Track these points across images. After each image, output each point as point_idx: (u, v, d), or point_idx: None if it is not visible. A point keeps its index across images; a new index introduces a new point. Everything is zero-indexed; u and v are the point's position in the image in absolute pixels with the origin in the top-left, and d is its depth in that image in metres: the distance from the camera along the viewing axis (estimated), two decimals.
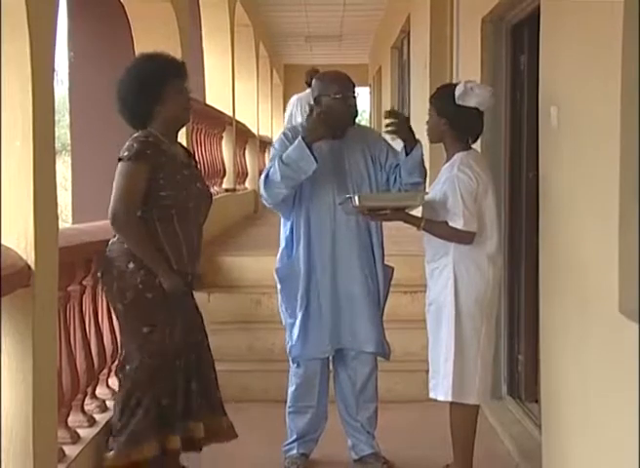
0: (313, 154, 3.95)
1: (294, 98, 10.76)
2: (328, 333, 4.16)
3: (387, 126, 4.07)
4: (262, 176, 4.10)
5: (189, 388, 3.74)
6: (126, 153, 3.54)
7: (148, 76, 3.63)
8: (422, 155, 4.13)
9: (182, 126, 3.89)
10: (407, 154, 4.10)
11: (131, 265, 3.55)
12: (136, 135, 3.63)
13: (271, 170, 4.04)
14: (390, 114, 4.10)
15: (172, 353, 3.66)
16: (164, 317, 3.60)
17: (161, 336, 3.60)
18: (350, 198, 3.85)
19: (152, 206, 3.56)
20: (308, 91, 12.17)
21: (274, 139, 4.55)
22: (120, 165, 3.55)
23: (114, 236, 3.63)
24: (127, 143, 3.59)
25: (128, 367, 3.62)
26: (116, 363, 3.80)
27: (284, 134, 4.23)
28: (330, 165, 4.11)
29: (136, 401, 3.60)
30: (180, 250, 3.62)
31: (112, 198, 3.53)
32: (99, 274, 3.76)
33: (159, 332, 3.60)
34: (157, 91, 3.63)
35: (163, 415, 3.64)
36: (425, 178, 4.21)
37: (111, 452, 3.58)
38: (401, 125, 4.06)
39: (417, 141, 4.10)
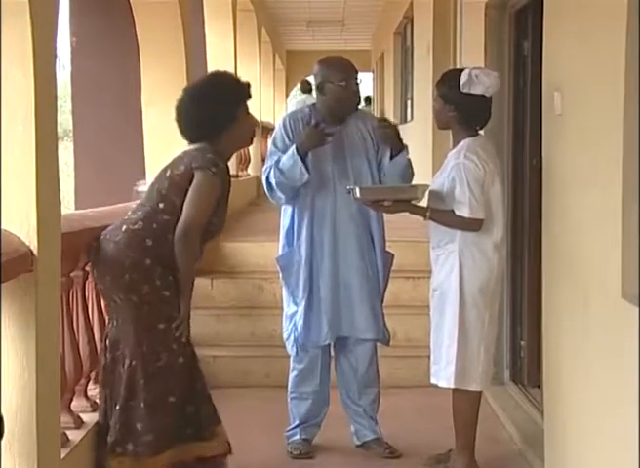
0: (306, 164, 4.00)
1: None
2: (327, 322, 4.17)
3: (379, 130, 4.10)
4: (264, 178, 4.14)
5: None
6: (215, 169, 3.46)
7: (229, 93, 3.60)
8: (407, 162, 4.15)
9: (240, 150, 3.91)
10: (391, 158, 4.14)
11: (148, 261, 3.48)
12: (213, 151, 3.54)
13: (270, 174, 4.08)
14: (383, 121, 4.15)
15: (188, 353, 3.62)
16: (178, 314, 3.56)
17: (174, 335, 3.55)
18: (352, 190, 3.86)
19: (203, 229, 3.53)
20: (304, 96, 12.26)
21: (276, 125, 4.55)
22: (206, 176, 3.46)
23: (134, 224, 3.52)
24: (209, 155, 3.50)
25: (134, 361, 3.51)
26: (111, 356, 3.61)
27: (282, 123, 4.22)
28: (330, 152, 4.11)
29: (157, 397, 3.52)
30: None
31: (191, 208, 3.44)
32: (89, 258, 3.67)
33: (174, 332, 3.55)
34: (232, 111, 3.61)
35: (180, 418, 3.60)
36: (410, 181, 4.19)
37: (141, 458, 3.50)
38: (391, 133, 4.10)
39: (403, 148, 4.14)
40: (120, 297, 3.54)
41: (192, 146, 3.64)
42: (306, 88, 13.14)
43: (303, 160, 3.99)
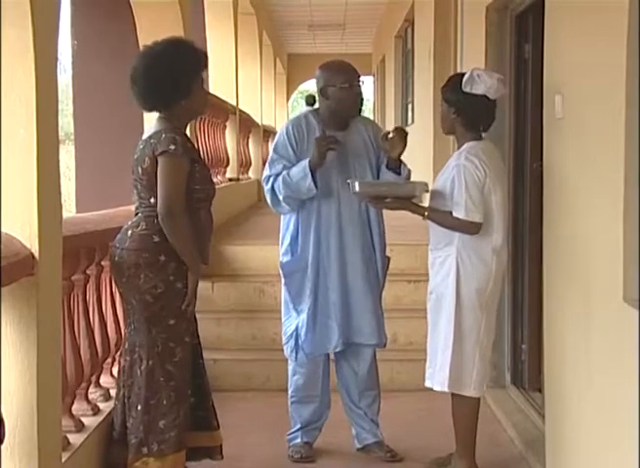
0: (315, 179, 3.99)
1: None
2: (338, 329, 4.16)
3: (390, 136, 4.02)
4: (268, 187, 4.11)
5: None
6: (173, 147, 3.45)
7: (180, 71, 3.54)
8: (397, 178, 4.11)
9: (195, 119, 3.88)
10: (387, 166, 4.13)
11: (162, 258, 3.50)
12: (166, 126, 3.55)
13: (276, 185, 4.07)
14: (398, 131, 4.05)
15: (195, 346, 3.69)
16: (187, 307, 3.59)
17: (186, 328, 3.61)
18: (350, 184, 3.87)
19: (187, 199, 3.52)
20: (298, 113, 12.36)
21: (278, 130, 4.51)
22: (168, 159, 3.46)
23: (136, 227, 3.55)
24: (164, 135, 3.49)
25: (151, 362, 3.55)
26: (129, 359, 3.65)
27: (286, 131, 4.17)
28: (335, 159, 4.11)
29: (178, 393, 3.56)
30: (201, 243, 3.63)
31: (165, 192, 3.45)
32: (104, 263, 3.72)
33: (185, 325, 3.60)
34: (186, 86, 3.56)
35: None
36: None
37: (166, 457, 3.55)
38: (400, 144, 4.03)
39: (399, 166, 4.11)
40: (136, 299, 3.56)
41: (147, 133, 3.63)
42: (310, 102, 13.37)
43: (313, 175, 3.99)
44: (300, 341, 4.20)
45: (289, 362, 4.34)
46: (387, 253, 4.30)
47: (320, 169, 4.03)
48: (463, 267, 3.80)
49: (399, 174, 4.11)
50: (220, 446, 3.81)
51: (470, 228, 3.76)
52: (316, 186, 4.00)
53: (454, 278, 3.80)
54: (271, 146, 4.29)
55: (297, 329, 4.20)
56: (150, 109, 3.69)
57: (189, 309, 3.58)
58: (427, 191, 3.90)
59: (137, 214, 3.62)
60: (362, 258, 4.18)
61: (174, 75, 3.53)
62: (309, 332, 4.16)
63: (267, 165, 4.20)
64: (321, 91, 4.17)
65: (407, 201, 3.86)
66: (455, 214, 3.77)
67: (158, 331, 3.55)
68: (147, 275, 3.51)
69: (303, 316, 4.18)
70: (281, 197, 4.08)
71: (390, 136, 4.02)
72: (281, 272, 4.27)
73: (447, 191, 3.80)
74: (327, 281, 4.15)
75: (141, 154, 3.57)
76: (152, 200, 3.53)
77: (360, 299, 4.18)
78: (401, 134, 4.02)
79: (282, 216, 4.28)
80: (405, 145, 4.04)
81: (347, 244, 4.16)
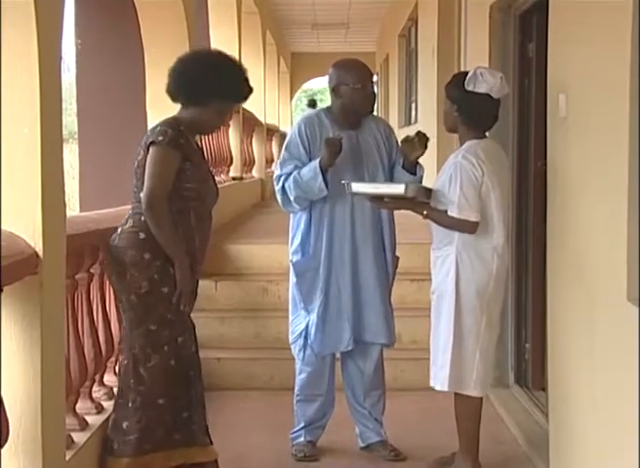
0: (326, 180, 3.98)
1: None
2: (350, 327, 4.15)
3: (411, 139, 4.03)
4: (279, 186, 4.11)
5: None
6: (161, 138, 3.44)
7: (202, 79, 3.56)
8: (411, 180, 4.10)
9: (202, 134, 3.92)
10: (403, 166, 4.14)
11: (147, 255, 3.48)
12: (167, 120, 3.56)
13: (287, 185, 4.06)
14: (420, 136, 4.06)
15: (183, 358, 3.61)
16: (174, 316, 3.55)
17: (169, 336, 3.56)
18: (347, 184, 3.89)
19: (175, 196, 3.49)
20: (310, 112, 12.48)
21: (287, 130, 4.51)
22: (156, 149, 3.45)
23: (125, 224, 3.55)
24: (159, 128, 3.50)
25: (126, 361, 3.55)
26: (122, 357, 3.67)
27: (298, 130, 4.16)
28: (348, 158, 4.10)
29: (145, 399, 3.53)
30: (193, 243, 3.58)
31: (148, 182, 3.43)
32: (104, 261, 3.73)
33: (167, 332, 3.55)
34: (201, 96, 3.57)
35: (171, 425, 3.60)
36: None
37: (122, 458, 3.53)
38: (421, 149, 4.04)
39: (415, 168, 4.13)
40: (123, 297, 3.57)
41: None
42: (311, 104, 13.51)
43: (324, 176, 3.99)
44: (309, 341, 4.19)
45: (296, 361, 4.33)
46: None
47: (332, 168, 4.02)
48: (463, 267, 3.79)
49: (414, 174, 4.12)
50: (216, 460, 3.74)
51: (466, 227, 3.75)
52: (327, 187, 4.00)
53: (453, 277, 3.79)
54: (275, 145, 4.29)
55: (306, 328, 4.19)
56: (174, 98, 3.67)
57: (185, 309, 3.55)
58: (423, 189, 3.89)
59: (128, 212, 3.62)
60: (373, 258, 4.17)
61: (194, 78, 3.55)
62: (319, 332, 4.15)
63: (279, 164, 4.19)
64: (334, 89, 4.16)
65: (407, 201, 3.85)
66: (449, 213, 3.76)
67: (138, 334, 3.53)
68: (133, 274, 3.50)
69: (313, 315, 4.16)
70: (292, 197, 4.07)
71: (411, 139, 4.04)
72: (292, 271, 4.25)
73: (445, 190, 3.79)
74: (339, 280, 4.15)
75: (139, 147, 3.57)
76: (141, 194, 3.50)
77: (370, 299, 4.18)
78: (422, 138, 4.04)
79: (292, 215, 4.27)
80: (425, 149, 4.06)
81: (359, 243, 4.15)
